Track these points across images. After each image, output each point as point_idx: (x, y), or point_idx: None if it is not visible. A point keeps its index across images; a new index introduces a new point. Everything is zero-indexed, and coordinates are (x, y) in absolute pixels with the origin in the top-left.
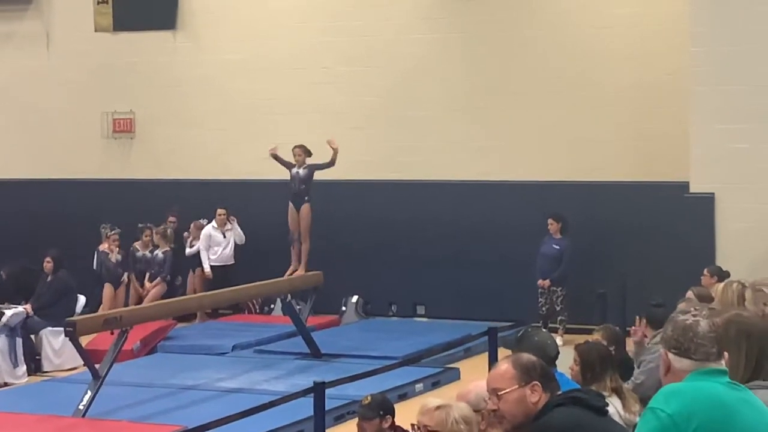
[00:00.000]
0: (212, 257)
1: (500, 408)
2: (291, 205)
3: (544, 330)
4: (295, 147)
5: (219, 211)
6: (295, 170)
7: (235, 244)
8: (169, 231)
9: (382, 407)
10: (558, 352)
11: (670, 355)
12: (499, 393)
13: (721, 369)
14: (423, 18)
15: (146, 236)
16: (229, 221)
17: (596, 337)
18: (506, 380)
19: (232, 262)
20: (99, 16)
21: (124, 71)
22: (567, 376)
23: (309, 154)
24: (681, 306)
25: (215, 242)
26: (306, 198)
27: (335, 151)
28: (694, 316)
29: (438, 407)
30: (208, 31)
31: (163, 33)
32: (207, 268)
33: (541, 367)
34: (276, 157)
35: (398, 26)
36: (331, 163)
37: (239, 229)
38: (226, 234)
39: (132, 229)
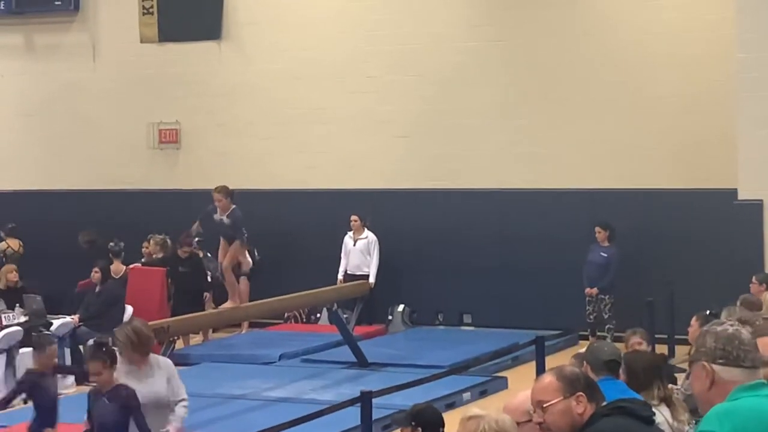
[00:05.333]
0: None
1: (546, 420)
2: (222, 240)
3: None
4: (215, 190)
5: (352, 217)
6: (217, 217)
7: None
8: (168, 240)
9: (415, 418)
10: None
11: (716, 367)
12: (544, 405)
13: (764, 381)
14: (466, 26)
15: (144, 247)
16: (364, 229)
17: (636, 339)
18: (551, 392)
19: (366, 272)
20: (144, 27)
21: (170, 82)
22: (625, 384)
23: (231, 195)
24: (724, 313)
25: (347, 249)
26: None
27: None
28: (732, 325)
29: (471, 417)
30: (253, 41)
31: (208, 43)
32: (339, 275)
33: (585, 377)
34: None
35: (442, 35)
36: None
37: (372, 238)
38: (357, 242)
39: (178, 238)
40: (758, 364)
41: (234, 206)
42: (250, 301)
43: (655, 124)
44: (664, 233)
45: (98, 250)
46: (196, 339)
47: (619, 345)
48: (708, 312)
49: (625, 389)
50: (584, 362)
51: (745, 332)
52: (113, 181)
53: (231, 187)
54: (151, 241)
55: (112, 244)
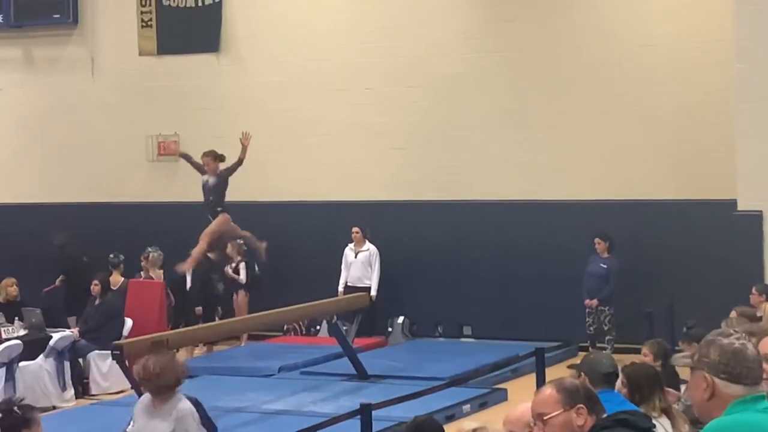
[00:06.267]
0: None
1: None
2: (210, 218)
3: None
4: (203, 155)
5: (353, 229)
6: (204, 179)
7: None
8: (156, 255)
9: (416, 430)
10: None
11: (717, 381)
12: (545, 417)
13: (762, 395)
14: (465, 37)
15: (142, 260)
16: (365, 241)
17: (644, 350)
18: (551, 404)
19: (367, 284)
20: (143, 40)
21: (169, 94)
22: (622, 396)
23: (220, 159)
24: (723, 326)
25: (347, 261)
26: (219, 209)
27: (244, 148)
28: (738, 339)
29: (476, 429)
30: (251, 53)
31: (207, 56)
32: (340, 287)
33: (585, 389)
34: (186, 157)
35: (440, 46)
36: (239, 163)
37: (373, 250)
38: (358, 254)
39: (177, 251)
40: (757, 381)
41: (222, 169)
42: (249, 313)
43: (654, 135)
44: (663, 244)
45: (67, 257)
46: (197, 351)
47: (618, 357)
48: (686, 328)
49: (623, 401)
50: (581, 374)
51: (751, 347)
52: (112, 194)
53: (230, 199)
54: (149, 256)
55: (111, 256)
